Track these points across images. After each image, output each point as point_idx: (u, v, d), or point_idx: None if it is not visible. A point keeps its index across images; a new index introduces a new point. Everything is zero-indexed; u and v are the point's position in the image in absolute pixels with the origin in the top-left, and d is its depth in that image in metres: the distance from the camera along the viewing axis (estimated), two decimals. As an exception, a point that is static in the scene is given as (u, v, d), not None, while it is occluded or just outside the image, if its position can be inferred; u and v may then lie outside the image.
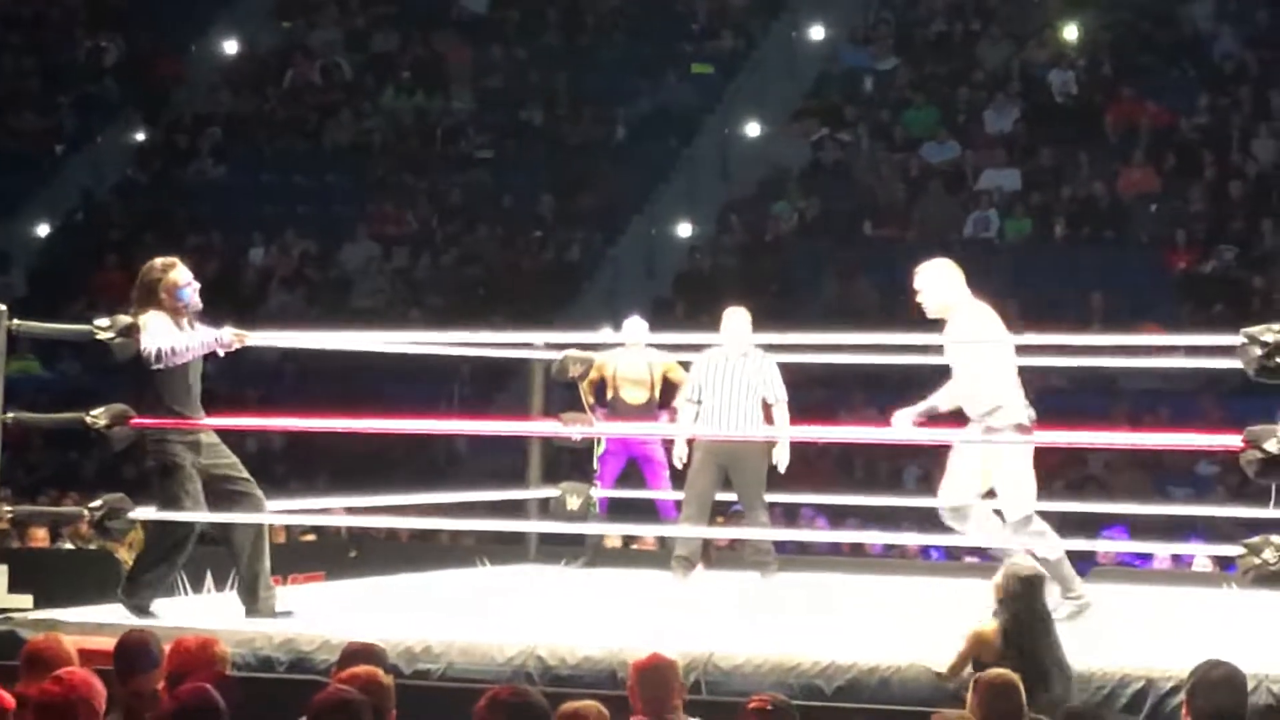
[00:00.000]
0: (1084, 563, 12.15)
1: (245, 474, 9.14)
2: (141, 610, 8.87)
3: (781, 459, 11.15)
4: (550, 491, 12.19)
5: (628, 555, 13.23)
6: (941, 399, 9.42)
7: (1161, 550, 13.07)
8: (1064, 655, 7.51)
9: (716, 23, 24.62)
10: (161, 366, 8.88)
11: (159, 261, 9.16)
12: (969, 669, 7.45)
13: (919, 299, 9.39)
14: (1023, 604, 7.53)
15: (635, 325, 12.08)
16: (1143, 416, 17.43)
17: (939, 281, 9.42)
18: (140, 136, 25.45)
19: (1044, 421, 9.37)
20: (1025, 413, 9.17)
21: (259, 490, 9.11)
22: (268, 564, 9.06)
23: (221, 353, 9.12)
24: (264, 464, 19.34)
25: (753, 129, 23.46)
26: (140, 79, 25.77)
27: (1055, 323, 16.42)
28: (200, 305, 9.10)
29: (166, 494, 8.94)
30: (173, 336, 8.91)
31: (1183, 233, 20.41)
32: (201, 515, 8.95)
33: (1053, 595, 8.32)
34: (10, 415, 8.89)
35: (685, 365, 11.77)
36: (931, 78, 23.05)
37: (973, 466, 9.23)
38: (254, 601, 8.95)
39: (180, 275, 9.06)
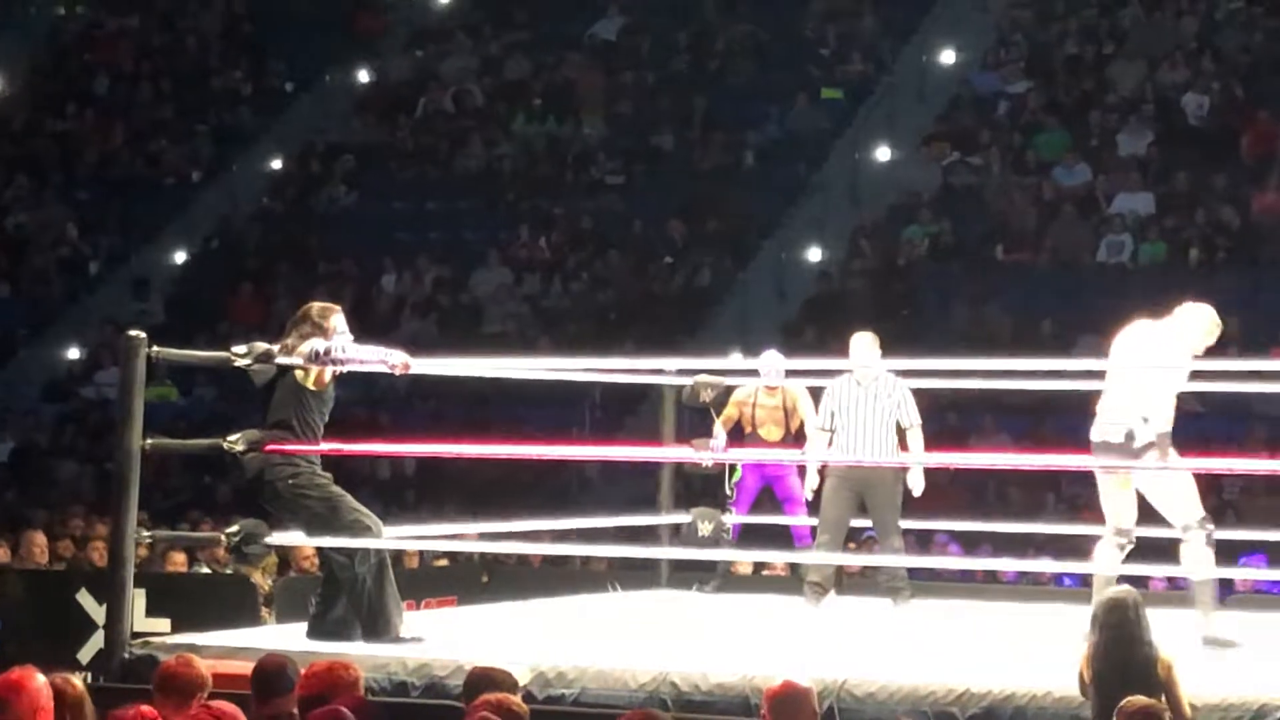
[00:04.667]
0: (1222, 591, 12.02)
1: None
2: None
3: (916, 483, 11.12)
4: (682, 517, 12.18)
5: (758, 581, 13.21)
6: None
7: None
8: (1170, 680, 7.37)
9: (846, 47, 24.58)
10: (315, 367, 8.95)
11: (319, 305, 9.32)
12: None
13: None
14: (1109, 628, 7.43)
15: (771, 360, 12.00)
16: (1280, 442, 17.22)
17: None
18: (275, 165, 25.73)
19: (1180, 447, 9.31)
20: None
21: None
22: (394, 589, 9.10)
23: (397, 373, 9.25)
24: (396, 490, 19.51)
25: (883, 153, 23.39)
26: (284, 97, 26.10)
27: (1190, 347, 16.27)
28: (345, 360, 9.17)
29: (340, 521, 8.97)
30: (332, 341, 9.02)
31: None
32: (329, 541, 9.00)
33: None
34: (149, 441, 8.99)
35: (814, 392, 11.73)
36: (1063, 101, 22.90)
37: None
38: (382, 628, 8.98)
39: (339, 321, 9.20)
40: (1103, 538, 9.32)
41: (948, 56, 24.25)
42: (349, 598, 8.98)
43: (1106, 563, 9.17)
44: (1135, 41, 23.23)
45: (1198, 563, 9.10)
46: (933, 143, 23.13)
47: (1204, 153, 21.56)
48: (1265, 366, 9.73)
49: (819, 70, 24.40)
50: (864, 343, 11.10)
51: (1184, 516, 9.13)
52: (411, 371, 9.42)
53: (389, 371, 9.31)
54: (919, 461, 11.06)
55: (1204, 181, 21.25)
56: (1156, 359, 9.29)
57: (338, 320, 9.22)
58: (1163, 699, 7.17)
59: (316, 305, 9.36)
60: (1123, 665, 7.33)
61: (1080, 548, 13.79)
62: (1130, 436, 9.20)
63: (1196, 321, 9.51)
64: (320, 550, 9.25)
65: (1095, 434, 9.32)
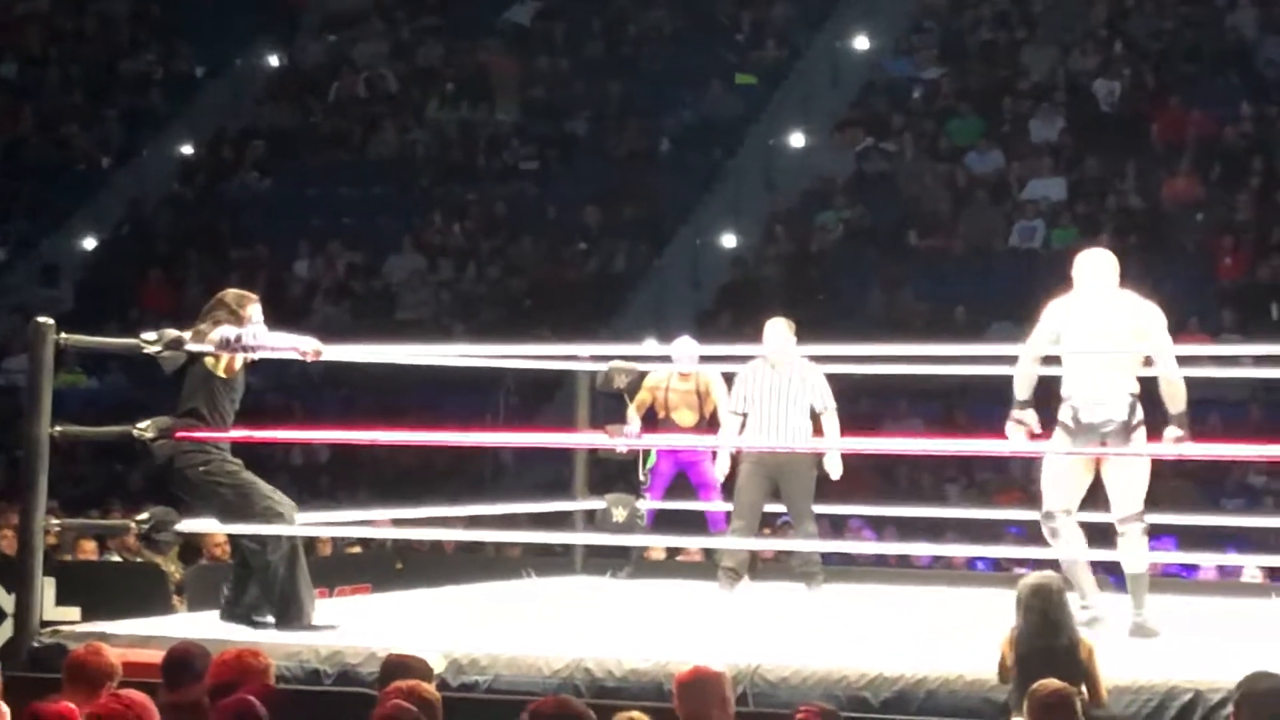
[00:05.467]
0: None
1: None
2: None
3: (834, 467, 11.14)
4: (596, 503, 12.17)
5: (673, 567, 13.22)
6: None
7: (1209, 561, 12.99)
8: (1090, 664, 7.42)
9: (760, 33, 24.60)
10: (223, 354, 8.89)
11: (235, 292, 9.25)
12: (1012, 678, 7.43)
13: (1083, 284, 9.40)
14: (1034, 611, 7.47)
15: (686, 346, 11.99)
16: (1191, 425, 17.29)
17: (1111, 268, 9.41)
18: (186, 150, 25.55)
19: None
20: (1068, 412, 9.18)
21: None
22: (306, 576, 9.06)
23: (308, 359, 9.19)
24: (309, 476, 19.42)
25: (797, 139, 23.44)
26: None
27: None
28: (255, 347, 9.09)
29: (252, 508, 8.92)
30: (243, 329, 8.96)
31: (1229, 240, 20.33)
32: (241, 527, 8.95)
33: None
34: (58, 428, 8.92)
35: (729, 378, 11.73)
36: (976, 87, 22.99)
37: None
38: (294, 614, 8.94)
39: (255, 311, 9.13)
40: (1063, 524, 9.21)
41: (861, 42, 24.31)
42: (261, 585, 8.93)
43: (1076, 548, 9.15)
44: (1047, 27, 23.36)
45: (1135, 553, 9.13)
46: (846, 129, 23.20)
47: (1115, 139, 21.70)
48: (1176, 351, 9.76)
49: (733, 56, 24.42)
50: (777, 328, 11.11)
51: (1132, 505, 9.14)
52: (324, 358, 9.37)
53: (300, 358, 9.26)
54: (835, 446, 11.08)
55: (1115, 167, 21.39)
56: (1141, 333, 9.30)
57: (254, 310, 9.15)
58: (1082, 684, 7.23)
59: (233, 292, 9.29)
60: (1046, 649, 7.37)
61: (992, 532, 13.91)
62: (1134, 413, 9.19)
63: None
64: (232, 537, 9.19)
65: (1092, 415, 9.20)
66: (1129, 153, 21.45)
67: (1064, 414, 9.19)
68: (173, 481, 9.06)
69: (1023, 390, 9.31)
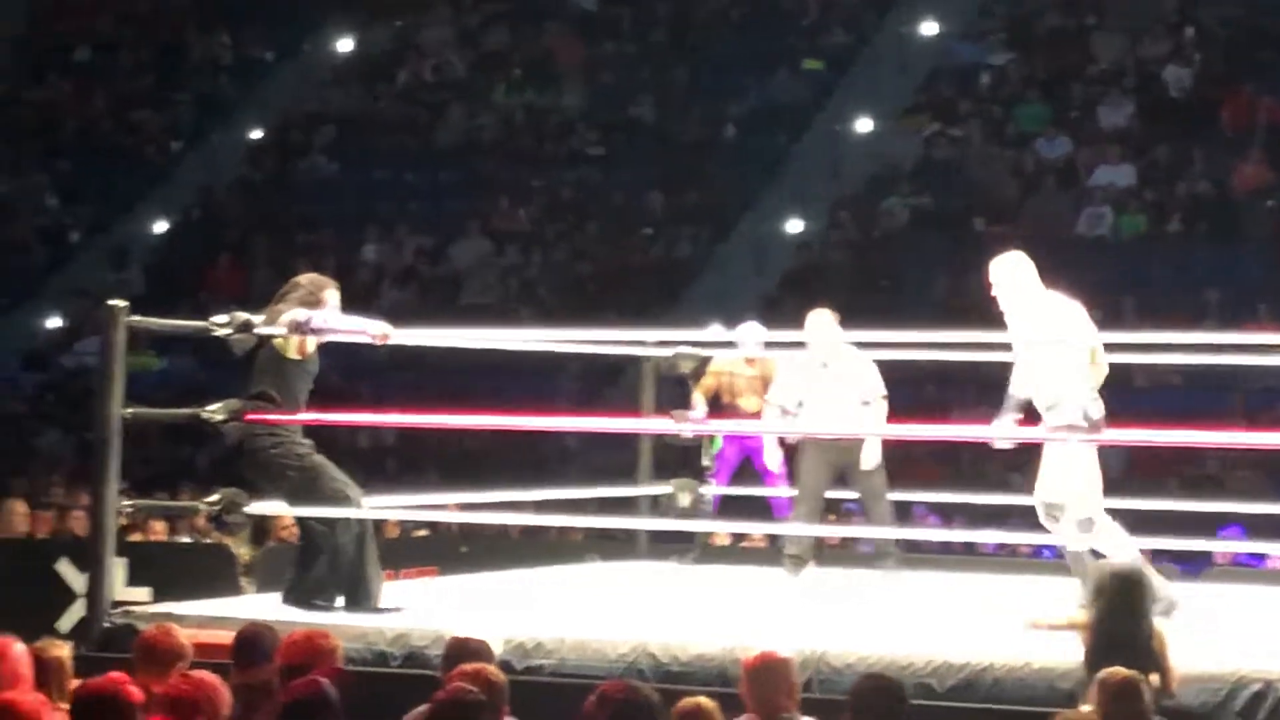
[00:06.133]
0: (1200, 563, 12.06)
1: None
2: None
3: (870, 458, 11.08)
4: (661, 488, 12.19)
5: (737, 552, 13.23)
6: (1017, 390, 9.44)
7: (1278, 550, 12.94)
8: (1163, 654, 7.39)
9: (827, 18, 24.56)
10: (295, 336, 8.93)
11: (314, 276, 9.29)
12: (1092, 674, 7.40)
13: (993, 292, 9.40)
14: (1115, 600, 7.42)
15: (751, 331, 11.99)
16: (1259, 414, 17.26)
17: (1012, 275, 9.40)
18: (255, 134, 25.67)
19: (1159, 420, 9.29)
20: (1081, 411, 9.12)
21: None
22: (375, 559, 9.11)
23: (377, 343, 9.21)
24: (376, 460, 19.50)
25: (863, 125, 23.38)
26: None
27: (1169, 319, 16.31)
28: (324, 330, 9.12)
29: (321, 491, 8.97)
30: (314, 312, 8.99)
31: (1300, 228, 20.24)
32: (313, 510, 9.00)
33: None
34: (129, 410, 8.98)
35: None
36: (1044, 73, 22.90)
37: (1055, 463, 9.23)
38: (362, 596, 8.99)
39: (333, 296, 9.16)
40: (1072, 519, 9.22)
41: (929, 28, 24.24)
42: (329, 567, 8.98)
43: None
44: (1116, 14, 23.24)
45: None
46: (913, 114, 23.14)
47: (1185, 125, 21.59)
48: (1244, 339, 9.73)
49: (800, 41, 24.38)
50: (822, 320, 11.06)
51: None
52: (391, 341, 9.41)
53: (369, 341, 9.29)
54: (877, 434, 11.04)
55: (1184, 154, 21.28)
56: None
57: (331, 295, 9.18)
58: (1154, 674, 7.19)
59: (312, 276, 9.32)
60: (1126, 637, 7.32)
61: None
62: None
63: None
64: (300, 519, 9.24)
65: (1098, 409, 9.19)
66: (1198, 139, 21.34)
67: (1071, 415, 9.12)
68: (243, 463, 9.12)
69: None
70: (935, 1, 24.42)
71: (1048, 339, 9.21)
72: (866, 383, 11.03)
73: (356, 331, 9.19)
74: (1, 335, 23.51)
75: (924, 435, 9.55)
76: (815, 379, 11.05)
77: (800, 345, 11.23)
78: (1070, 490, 9.09)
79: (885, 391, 11.08)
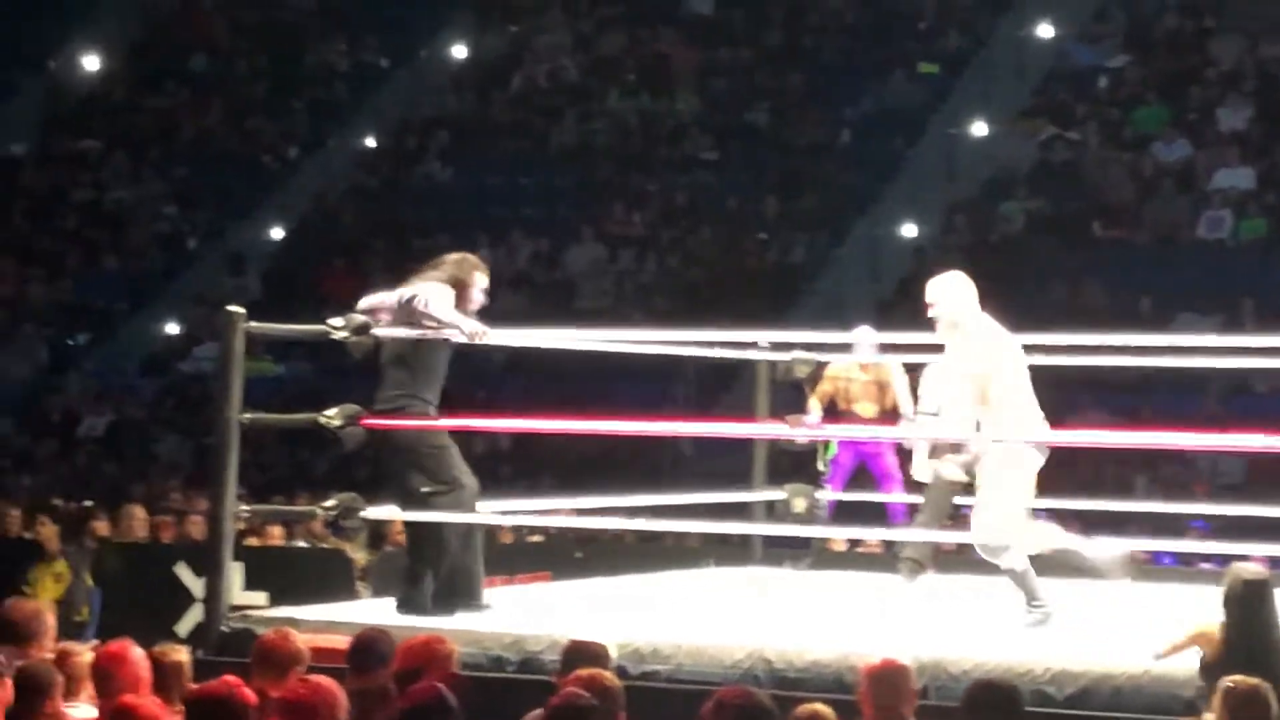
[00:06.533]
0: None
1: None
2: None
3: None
4: (775, 494, 12.14)
5: (853, 558, 13.17)
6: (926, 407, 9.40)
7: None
8: None
9: (943, 22, 24.45)
10: (416, 310, 8.95)
11: (461, 255, 9.31)
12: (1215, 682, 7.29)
13: (930, 312, 9.28)
14: (1247, 607, 7.32)
15: (865, 335, 11.93)
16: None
17: (951, 295, 9.28)
18: (370, 141, 25.81)
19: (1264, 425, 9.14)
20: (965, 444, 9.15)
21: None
22: (479, 555, 9.14)
23: (474, 340, 9.20)
24: (491, 464, 19.55)
25: (979, 128, 23.26)
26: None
27: (1291, 324, 16.10)
28: (425, 312, 9.13)
29: (441, 472, 9.00)
30: (420, 293, 9.01)
31: None
32: (426, 515, 9.02)
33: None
34: (247, 415, 9.02)
35: (909, 368, 11.66)
36: (1163, 75, 22.70)
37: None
38: (462, 589, 9.02)
39: (481, 279, 9.18)
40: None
41: (1045, 30, 24.08)
42: (433, 560, 8.99)
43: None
44: (1236, 15, 23.00)
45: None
46: (1030, 117, 22.99)
47: (1306, 128, 21.35)
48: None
49: (915, 45, 24.28)
50: None
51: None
52: (500, 343, 9.39)
53: (462, 340, 9.23)
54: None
55: (1305, 157, 21.05)
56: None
57: (480, 278, 9.20)
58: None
59: (463, 256, 9.31)
60: (1256, 646, 7.21)
61: (1177, 526, 13.72)
62: None
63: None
64: (408, 505, 9.21)
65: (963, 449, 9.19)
66: (1319, 142, 21.10)
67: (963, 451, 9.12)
68: (380, 436, 9.11)
69: None
70: (1052, 4, 24.26)
71: (959, 370, 9.13)
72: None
73: (451, 325, 9.14)
74: (121, 342, 23.75)
75: (1048, 440, 9.42)
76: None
77: (917, 349, 11.16)
78: (983, 524, 9.04)
79: None
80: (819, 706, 6.17)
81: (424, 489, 9.01)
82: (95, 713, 6.88)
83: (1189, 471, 17.31)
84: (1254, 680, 6.52)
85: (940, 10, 24.55)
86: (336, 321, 9.17)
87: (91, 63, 27.13)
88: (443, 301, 9.03)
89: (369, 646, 7.07)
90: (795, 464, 13.10)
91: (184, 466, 19.65)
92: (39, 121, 26.77)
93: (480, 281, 9.18)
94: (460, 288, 9.11)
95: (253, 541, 12.65)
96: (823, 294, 21.56)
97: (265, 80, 26.55)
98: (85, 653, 7.26)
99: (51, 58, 27.06)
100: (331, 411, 9.09)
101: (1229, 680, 6.56)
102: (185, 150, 25.85)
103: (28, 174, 25.89)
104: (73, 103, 26.81)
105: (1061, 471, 16.97)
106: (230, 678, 6.17)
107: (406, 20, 26.45)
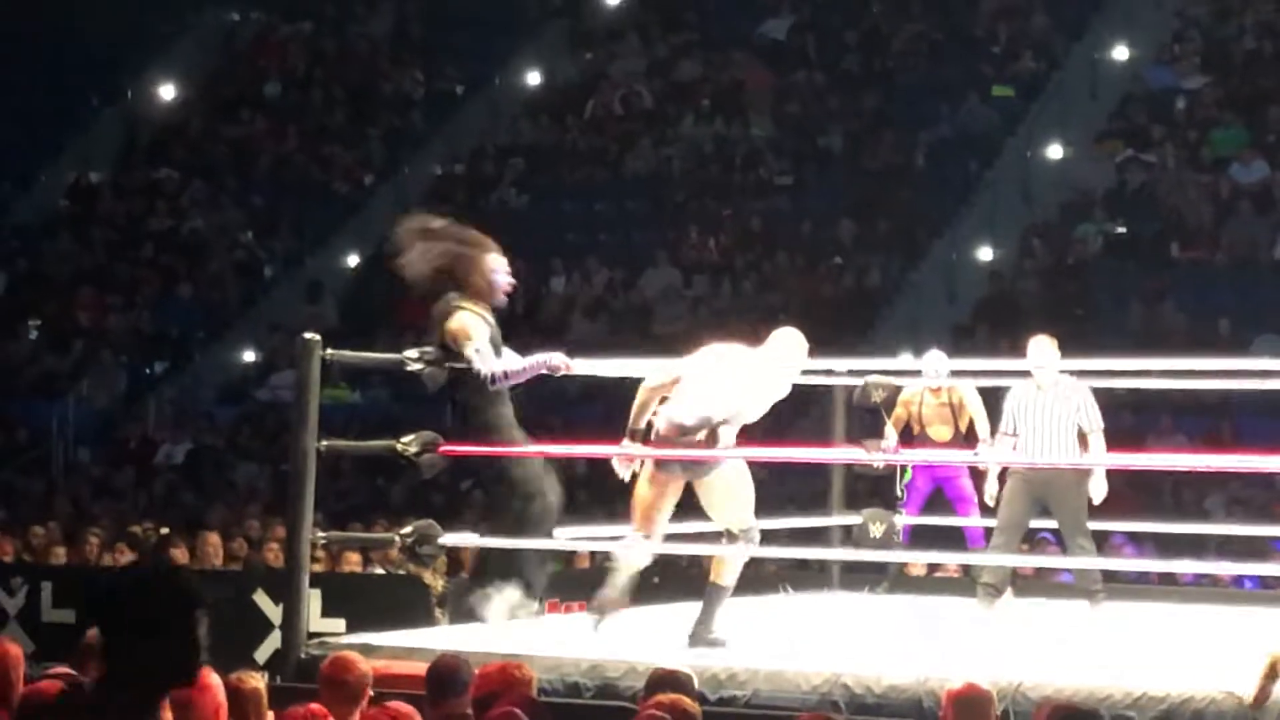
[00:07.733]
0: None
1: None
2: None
3: (1098, 490, 10.93)
4: (852, 518, 12.12)
5: (931, 582, 13.12)
6: None
7: None
8: None
9: (1018, 45, 24.37)
10: (497, 389, 9.02)
11: (470, 249, 9.36)
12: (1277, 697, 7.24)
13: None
14: None
15: (933, 360, 11.91)
16: None
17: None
18: (445, 169, 25.88)
19: None
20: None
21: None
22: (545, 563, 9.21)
23: (559, 373, 9.27)
24: (567, 491, 19.53)
25: (1055, 151, 23.17)
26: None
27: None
28: (511, 377, 9.18)
29: (528, 484, 9.13)
30: (504, 361, 9.06)
31: None
32: (501, 541, 9.04)
33: None
34: (324, 443, 9.06)
35: (986, 393, 11.62)
36: (1240, 96, 22.56)
37: None
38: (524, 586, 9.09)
39: (500, 262, 9.24)
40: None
41: (1120, 53, 23.98)
42: (501, 562, 9.06)
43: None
44: (1314, 35, 22.87)
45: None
46: (1106, 140, 22.89)
47: (1385, 148, 21.19)
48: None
49: (990, 68, 24.22)
50: (1042, 346, 10.96)
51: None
52: (575, 372, 9.43)
53: (551, 373, 9.29)
54: (1099, 465, 10.88)
55: (1385, 177, 20.89)
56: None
57: (489, 262, 9.26)
58: None
59: (460, 255, 9.39)
60: None
61: (1258, 549, 13.61)
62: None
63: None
64: (492, 519, 9.31)
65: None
66: (1400, 162, 20.94)
67: None
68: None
69: None
70: (1127, 26, 24.16)
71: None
72: (1088, 413, 10.88)
73: (537, 368, 9.22)
74: (198, 369, 23.88)
75: (1125, 465, 9.36)
76: (1033, 405, 10.92)
77: (995, 374, 11.13)
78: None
79: (1102, 424, 10.92)
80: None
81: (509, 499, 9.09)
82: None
83: (1269, 494, 17.17)
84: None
85: (1015, 34, 24.47)
86: (412, 352, 9.22)
87: (169, 92, 27.33)
88: (497, 361, 9.08)
89: (447, 674, 7.07)
90: (872, 488, 13.06)
91: (261, 494, 19.71)
92: (117, 150, 26.99)
93: (491, 265, 9.24)
94: (476, 291, 9.16)
95: (330, 568, 12.68)
96: (899, 318, 21.50)
97: (341, 108, 26.67)
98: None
99: (130, 87, 27.28)
100: (408, 438, 9.13)
101: None
102: (262, 179, 26.00)
103: (106, 203, 26.08)
104: (151, 132, 27.00)
105: (1141, 495, 16.94)
106: (315, 706, 6.18)
107: (481, 48, 26.54)
